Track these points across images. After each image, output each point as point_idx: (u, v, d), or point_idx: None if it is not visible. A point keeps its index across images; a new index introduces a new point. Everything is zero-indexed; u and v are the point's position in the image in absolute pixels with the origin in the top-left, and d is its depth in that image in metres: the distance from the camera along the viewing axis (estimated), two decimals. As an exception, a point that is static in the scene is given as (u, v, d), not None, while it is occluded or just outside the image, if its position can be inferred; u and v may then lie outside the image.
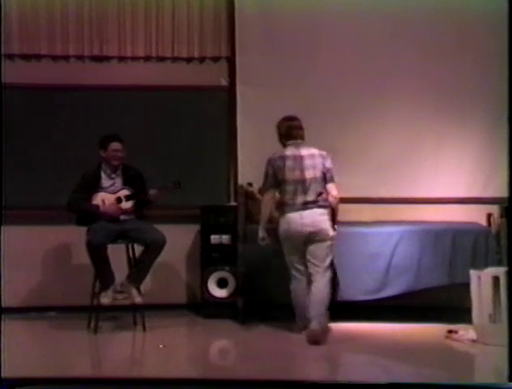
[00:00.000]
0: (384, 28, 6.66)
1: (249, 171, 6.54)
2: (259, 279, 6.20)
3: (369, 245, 6.16)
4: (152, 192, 6.06)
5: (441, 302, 6.27)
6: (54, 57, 6.74)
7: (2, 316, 5.21)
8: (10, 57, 6.65)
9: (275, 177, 5.72)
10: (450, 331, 5.72)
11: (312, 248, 5.68)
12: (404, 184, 6.65)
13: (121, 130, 6.27)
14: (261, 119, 6.63)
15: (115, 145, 6.08)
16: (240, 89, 6.74)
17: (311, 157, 5.74)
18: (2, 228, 5.69)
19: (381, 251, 6.14)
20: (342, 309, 6.11)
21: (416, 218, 6.56)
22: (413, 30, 6.67)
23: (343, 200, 6.14)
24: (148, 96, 6.74)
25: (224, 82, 6.84)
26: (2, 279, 5.43)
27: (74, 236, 6.25)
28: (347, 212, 6.31)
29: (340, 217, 6.22)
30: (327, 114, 6.70)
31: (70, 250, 6.75)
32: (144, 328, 5.97)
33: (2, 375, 4.43)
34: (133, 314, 6.12)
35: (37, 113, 6.67)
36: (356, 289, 6.11)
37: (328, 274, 5.71)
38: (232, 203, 6.62)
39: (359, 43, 6.70)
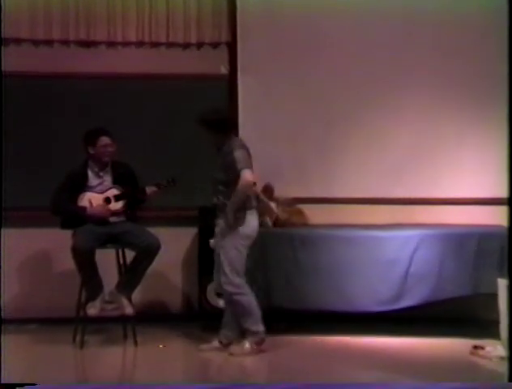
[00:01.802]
0: (400, 21, 6.61)
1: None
2: (263, 286, 6.09)
3: (384, 250, 6.08)
4: (150, 190, 5.96)
5: (465, 314, 6.21)
6: (36, 42, 6.63)
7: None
8: None
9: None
10: (476, 347, 5.62)
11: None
12: (423, 183, 6.61)
13: (111, 124, 6.21)
14: (264, 110, 6.62)
15: (104, 140, 5.98)
16: (241, 78, 6.69)
17: None
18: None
19: (397, 257, 6.05)
20: (354, 321, 6.06)
21: (437, 221, 6.50)
22: (430, 24, 6.62)
23: (356, 201, 6.18)
24: (140, 85, 6.66)
25: (224, 70, 6.77)
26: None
27: (58, 240, 6.11)
28: (360, 214, 6.35)
29: (352, 219, 6.45)
30: (336, 109, 6.74)
31: (53, 256, 6.65)
32: (136, 342, 5.90)
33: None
34: (123, 327, 6.05)
35: (14, 104, 6.51)
36: (369, 299, 6.04)
37: None
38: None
39: (371, 32, 6.64)
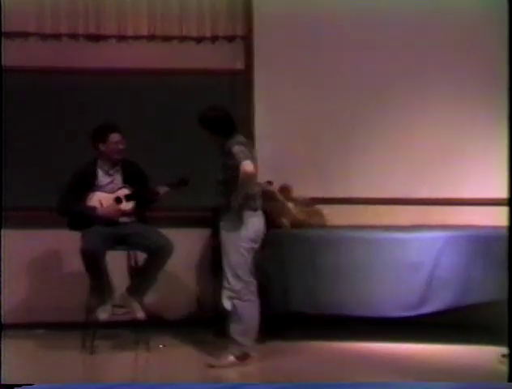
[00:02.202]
0: (424, 18, 6.55)
1: (267, 167, 6.29)
2: (280, 290, 6.07)
3: (407, 252, 6.00)
4: (162, 190, 5.88)
5: (493, 320, 5.95)
6: (43, 36, 6.60)
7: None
8: None
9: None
10: (505, 356, 5.36)
11: None
12: (448, 183, 6.56)
13: (121, 120, 6.14)
14: (281, 107, 6.58)
15: (115, 136, 5.92)
16: (257, 73, 6.65)
17: None
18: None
19: (421, 260, 5.97)
20: (375, 327, 6.00)
21: (463, 222, 6.45)
22: (453, 18, 6.55)
23: (377, 201, 6.17)
24: (152, 80, 6.62)
25: (239, 65, 6.74)
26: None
27: (67, 241, 6.09)
28: (381, 215, 6.34)
29: (374, 220, 6.42)
30: (356, 107, 6.67)
31: (62, 258, 6.63)
32: (148, 347, 5.85)
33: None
34: (134, 332, 6.01)
35: (21, 101, 6.52)
36: (391, 304, 5.96)
37: None
38: (249, 204, 6.64)
39: (395, 29, 6.59)
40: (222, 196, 5.53)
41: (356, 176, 6.61)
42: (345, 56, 6.62)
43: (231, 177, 5.42)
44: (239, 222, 5.45)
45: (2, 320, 6.23)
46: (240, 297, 5.47)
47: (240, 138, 5.55)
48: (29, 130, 6.54)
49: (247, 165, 5.35)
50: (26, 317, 6.49)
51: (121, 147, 5.94)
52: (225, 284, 5.49)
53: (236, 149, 5.42)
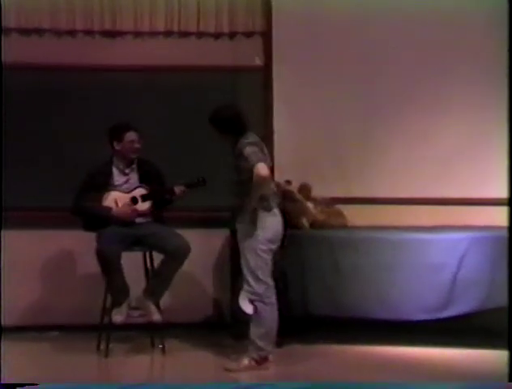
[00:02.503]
0: (445, 18, 6.51)
1: (286, 166, 6.41)
2: (299, 292, 6.04)
3: (430, 254, 5.94)
4: (179, 189, 5.85)
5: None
6: (58, 32, 6.59)
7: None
8: (6, 31, 6.48)
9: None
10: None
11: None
12: (472, 183, 6.50)
13: (137, 119, 6.16)
14: (301, 105, 6.54)
15: (131, 135, 5.91)
16: (276, 69, 6.61)
17: None
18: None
19: (445, 262, 5.91)
20: (397, 330, 5.95)
21: (487, 222, 6.32)
22: (478, 22, 6.51)
23: (400, 201, 6.23)
24: (169, 78, 6.59)
25: (258, 61, 6.71)
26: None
27: (81, 241, 6.10)
28: (404, 215, 6.31)
29: (396, 221, 6.35)
30: (376, 103, 6.61)
31: (76, 259, 6.64)
32: (164, 351, 5.85)
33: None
34: (150, 335, 6.02)
35: (37, 98, 6.54)
36: (414, 307, 5.91)
37: None
38: (268, 204, 6.58)
39: (417, 27, 6.54)
40: (237, 197, 5.48)
41: (377, 175, 6.56)
42: (365, 52, 6.56)
43: (245, 178, 5.37)
44: (256, 224, 5.38)
45: (16, 322, 6.28)
46: (262, 299, 5.43)
47: (251, 137, 5.48)
48: (42, 129, 6.51)
49: (261, 168, 5.30)
50: (40, 319, 6.48)
51: (136, 145, 5.92)
52: (246, 286, 5.44)
53: (248, 151, 5.36)
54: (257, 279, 5.41)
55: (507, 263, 4.94)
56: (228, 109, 5.55)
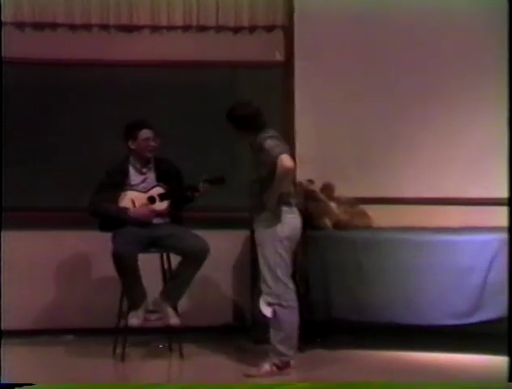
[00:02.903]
0: (477, 17, 6.50)
1: (309, 165, 6.35)
2: (321, 295, 6.01)
3: (458, 256, 5.89)
4: (203, 187, 5.80)
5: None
6: (73, 27, 6.57)
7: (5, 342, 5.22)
8: (20, 26, 6.47)
9: None
10: None
11: None
12: (501, 182, 6.00)
13: (153, 116, 6.13)
14: (324, 101, 6.51)
15: (146, 133, 5.89)
16: (298, 65, 6.56)
17: None
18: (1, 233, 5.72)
19: (474, 264, 5.84)
20: (423, 335, 5.91)
21: None
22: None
23: (427, 201, 6.19)
24: (187, 73, 6.57)
25: (279, 56, 6.69)
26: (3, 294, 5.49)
27: (97, 243, 6.10)
28: (431, 216, 6.27)
29: (423, 221, 6.30)
30: (404, 99, 6.57)
31: (92, 260, 6.63)
32: (181, 355, 5.83)
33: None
34: (168, 339, 6.01)
35: (52, 95, 6.52)
36: (441, 312, 5.86)
37: None
38: (289, 204, 6.55)
39: (444, 23, 6.49)
40: (255, 196, 5.43)
41: (403, 174, 6.53)
42: (391, 46, 6.53)
43: (264, 174, 5.33)
44: (275, 220, 5.34)
45: (31, 326, 6.31)
46: (281, 302, 5.36)
47: (270, 132, 5.43)
48: (54, 127, 6.51)
49: (285, 159, 5.25)
50: (55, 322, 6.48)
51: (152, 144, 5.89)
52: (264, 288, 5.38)
53: (269, 144, 5.31)
54: (276, 278, 5.35)
55: (507, 264, 4.95)
56: (245, 106, 5.51)
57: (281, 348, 5.38)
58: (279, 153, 5.25)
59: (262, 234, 5.39)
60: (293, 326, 5.41)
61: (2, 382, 4.85)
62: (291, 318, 5.39)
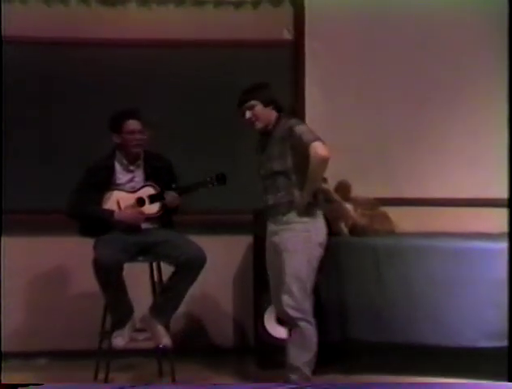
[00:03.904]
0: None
1: None
2: (336, 312, 5.92)
3: (494, 266, 5.71)
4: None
5: None
6: (47, 1, 6.52)
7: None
8: None
9: None
10: None
11: None
12: None
13: (144, 105, 6.04)
14: (338, 86, 6.47)
15: (132, 125, 5.76)
16: (309, 45, 6.51)
17: None
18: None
19: None
20: (455, 358, 5.71)
21: None
22: None
23: (458, 202, 6.19)
24: (181, 54, 6.49)
25: (287, 35, 6.61)
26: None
27: (75, 251, 6.05)
28: (463, 220, 6.17)
29: (454, 226, 6.23)
30: (427, 87, 6.52)
31: (69, 270, 6.56)
32: (174, 380, 5.70)
33: None
34: (158, 361, 5.93)
35: (24, 80, 6.43)
36: (475, 331, 5.72)
37: None
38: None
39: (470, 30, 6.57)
40: (280, 190, 5.22)
41: (431, 172, 6.51)
42: (417, 34, 6.55)
43: (292, 165, 5.18)
44: (309, 223, 5.15)
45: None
46: (307, 317, 5.23)
47: (294, 118, 5.29)
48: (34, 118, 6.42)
49: (320, 147, 5.01)
50: (26, 344, 6.39)
51: (139, 137, 5.74)
52: (289, 301, 5.15)
53: (302, 128, 5.13)
54: (304, 291, 5.21)
55: (507, 265, 5.04)
56: (262, 88, 5.30)
57: (307, 370, 5.22)
58: (313, 139, 5.03)
59: (291, 240, 5.16)
60: (316, 344, 5.27)
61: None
62: (316, 335, 5.23)
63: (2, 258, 6.34)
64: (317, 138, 5.07)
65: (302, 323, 5.24)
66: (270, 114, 5.25)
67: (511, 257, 5.04)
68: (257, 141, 5.37)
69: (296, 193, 5.19)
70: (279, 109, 5.32)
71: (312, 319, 5.29)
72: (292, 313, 5.20)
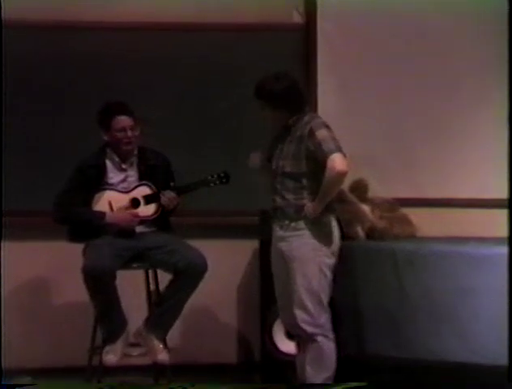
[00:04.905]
0: None
1: None
2: (352, 324, 5.85)
3: None
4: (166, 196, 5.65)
5: None
6: None
7: None
8: None
9: None
10: None
11: None
12: None
13: (139, 97, 6.07)
14: (354, 73, 6.40)
15: (122, 121, 5.66)
16: (322, 28, 6.42)
17: None
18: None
19: None
20: (485, 378, 5.55)
21: None
22: None
23: (488, 203, 6.10)
24: (183, 40, 6.40)
25: (297, 17, 6.51)
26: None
27: (62, 257, 6.04)
28: (494, 223, 5.97)
29: (483, 230, 6.12)
30: (463, 83, 6.46)
31: (55, 279, 6.45)
32: None
33: None
34: (154, 379, 5.89)
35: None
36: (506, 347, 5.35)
37: None
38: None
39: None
40: (289, 193, 5.18)
41: (458, 170, 6.41)
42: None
43: (307, 167, 5.08)
44: (320, 231, 5.12)
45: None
46: (324, 332, 5.16)
47: (321, 118, 5.16)
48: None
49: (339, 161, 4.98)
50: (7, 360, 6.02)
51: (130, 134, 5.66)
52: (304, 316, 5.09)
53: (324, 134, 5.03)
54: (319, 303, 5.17)
55: (507, 266, 4.99)
56: (283, 78, 5.17)
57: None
58: (333, 150, 4.99)
59: (302, 247, 5.13)
60: (334, 362, 5.28)
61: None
62: (335, 352, 5.22)
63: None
64: (338, 149, 5.01)
65: (320, 338, 5.16)
66: (281, 117, 5.15)
67: (511, 258, 5.00)
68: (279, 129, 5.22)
69: (306, 200, 5.10)
70: (297, 107, 5.17)
71: (330, 334, 5.22)
72: (309, 329, 5.16)
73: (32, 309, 6.49)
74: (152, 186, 5.72)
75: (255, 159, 5.48)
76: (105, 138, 5.73)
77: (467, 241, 6.06)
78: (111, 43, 6.41)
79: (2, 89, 6.14)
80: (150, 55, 6.43)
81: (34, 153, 6.46)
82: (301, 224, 5.13)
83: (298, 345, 5.32)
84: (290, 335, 5.80)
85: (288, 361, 5.81)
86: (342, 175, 5.01)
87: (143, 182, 5.74)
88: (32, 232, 6.28)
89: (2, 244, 5.97)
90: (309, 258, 5.16)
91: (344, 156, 5.02)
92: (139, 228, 5.70)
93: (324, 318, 5.20)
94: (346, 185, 6.08)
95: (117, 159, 5.73)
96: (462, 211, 6.28)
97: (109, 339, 5.55)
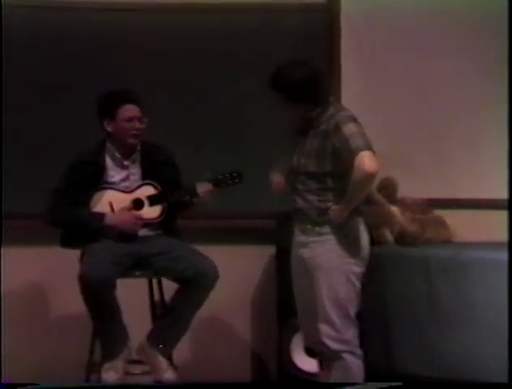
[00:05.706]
0: None
1: None
2: (380, 340, 5.75)
3: None
4: (202, 188, 5.54)
5: None
6: None
7: None
8: None
9: None
10: None
11: None
12: None
13: (147, 84, 6.03)
14: (381, 61, 6.29)
15: (129, 110, 5.51)
16: (346, 8, 6.29)
17: None
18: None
19: None
20: None
21: None
22: None
23: None
24: (197, 20, 6.29)
25: None
26: None
27: (56, 264, 5.98)
28: None
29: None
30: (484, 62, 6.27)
31: (50, 288, 6.39)
32: None
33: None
34: None
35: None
36: None
37: None
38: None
39: None
40: (311, 194, 5.01)
41: (495, 166, 6.22)
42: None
43: (332, 166, 4.92)
44: (348, 237, 4.99)
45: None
46: (353, 349, 5.04)
47: (348, 110, 4.94)
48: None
49: (368, 159, 4.83)
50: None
51: (138, 125, 5.52)
52: (328, 331, 4.96)
53: (352, 129, 4.84)
54: (346, 317, 5.03)
55: (507, 265, 5.02)
56: (303, 66, 4.98)
57: None
58: (362, 147, 4.82)
59: (325, 255, 4.97)
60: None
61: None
62: (363, 371, 5.07)
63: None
64: (367, 147, 4.87)
65: (346, 356, 5.01)
66: (302, 110, 4.98)
67: (511, 258, 5.00)
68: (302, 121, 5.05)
69: (331, 202, 4.95)
70: (319, 98, 4.99)
71: (358, 350, 5.09)
72: (334, 345, 4.99)
73: (24, 321, 6.40)
74: (157, 186, 5.61)
75: (279, 184, 5.25)
76: (108, 129, 5.58)
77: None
78: (113, 26, 6.30)
79: (2, 89, 6.13)
80: (155, 40, 6.33)
81: (34, 154, 6.40)
82: (326, 228, 4.93)
83: (321, 363, 5.19)
84: (310, 352, 5.53)
85: (307, 380, 5.81)
86: (371, 176, 4.82)
87: (147, 181, 5.64)
88: (27, 237, 6.23)
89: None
90: (334, 266, 5.01)
91: (374, 154, 4.80)
92: (142, 232, 5.57)
93: (351, 333, 5.07)
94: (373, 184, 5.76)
95: (118, 155, 5.60)
96: (504, 213, 5.87)
97: (109, 355, 5.42)
